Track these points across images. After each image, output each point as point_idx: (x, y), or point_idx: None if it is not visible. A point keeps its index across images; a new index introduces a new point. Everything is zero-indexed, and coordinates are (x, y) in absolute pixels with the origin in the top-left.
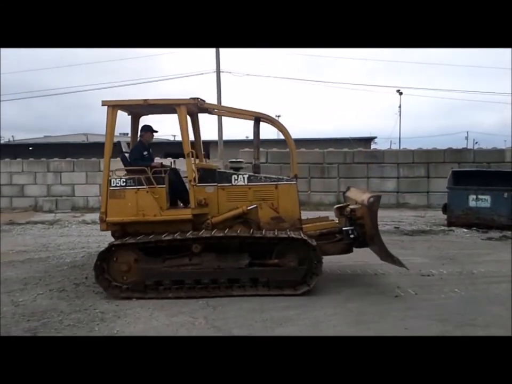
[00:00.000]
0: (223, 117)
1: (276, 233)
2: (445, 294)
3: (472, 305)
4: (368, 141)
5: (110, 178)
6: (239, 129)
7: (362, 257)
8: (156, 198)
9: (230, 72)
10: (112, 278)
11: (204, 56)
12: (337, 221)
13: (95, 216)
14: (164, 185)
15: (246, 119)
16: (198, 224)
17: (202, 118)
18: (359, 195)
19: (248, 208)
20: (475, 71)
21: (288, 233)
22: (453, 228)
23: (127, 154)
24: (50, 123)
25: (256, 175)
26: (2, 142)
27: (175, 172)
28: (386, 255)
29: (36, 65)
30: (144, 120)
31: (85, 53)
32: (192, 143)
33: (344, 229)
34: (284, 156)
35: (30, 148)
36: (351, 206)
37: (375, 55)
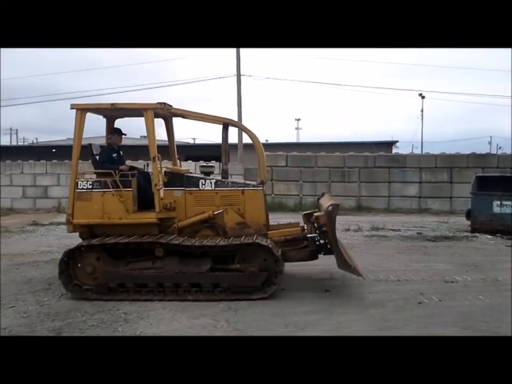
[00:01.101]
0: (243, 121)
1: (226, 240)
2: (469, 301)
3: (496, 312)
4: (389, 145)
5: (77, 180)
6: (259, 133)
7: (385, 263)
8: (122, 201)
9: (250, 76)
10: (77, 279)
11: (223, 60)
12: (306, 227)
13: None
14: (131, 189)
15: (215, 123)
16: (165, 227)
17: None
18: (327, 202)
19: (215, 213)
20: (498, 74)
21: (247, 239)
22: (477, 234)
23: (97, 157)
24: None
25: (224, 180)
26: (26, 144)
27: (144, 176)
28: (343, 263)
29: (57, 69)
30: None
31: (104, 57)
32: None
33: (308, 236)
34: (304, 159)
35: (53, 150)
36: (316, 214)
37: (395, 58)
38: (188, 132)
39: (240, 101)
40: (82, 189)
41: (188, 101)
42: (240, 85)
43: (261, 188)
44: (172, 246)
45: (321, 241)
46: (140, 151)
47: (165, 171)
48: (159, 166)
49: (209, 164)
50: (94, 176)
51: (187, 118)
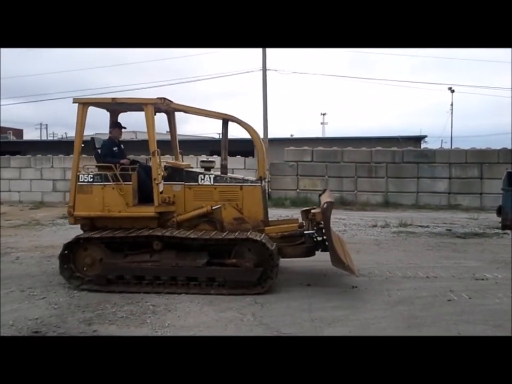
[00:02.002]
0: (268, 116)
1: (222, 234)
2: (499, 299)
3: None
4: (418, 139)
5: (78, 174)
6: (284, 128)
7: (413, 260)
8: (121, 195)
9: (276, 70)
10: (76, 270)
11: (250, 54)
12: (304, 224)
13: None
14: (131, 182)
15: (215, 118)
16: (164, 221)
17: (248, 117)
18: (325, 199)
19: (213, 207)
20: None
21: (243, 234)
22: (507, 231)
23: (99, 151)
24: (101, 121)
25: (222, 175)
26: (56, 138)
27: (145, 170)
28: (336, 260)
29: (85, 65)
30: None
31: (130, 53)
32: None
33: (305, 232)
34: (330, 154)
35: (82, 145)
36: (313, 211)
37: (422, 51)
38: (212, 127)
39: (266, 95)
40: (83, 182)
41: (213, 96)
42: (265, 79)
43: (259, 184)
44: (166, 239)
45: (319, 238)
46: (168, 146)
47: (165, 166)
48: (158, 160)
49: (210, 159)
50: (96, 169)
51: (188, 113)
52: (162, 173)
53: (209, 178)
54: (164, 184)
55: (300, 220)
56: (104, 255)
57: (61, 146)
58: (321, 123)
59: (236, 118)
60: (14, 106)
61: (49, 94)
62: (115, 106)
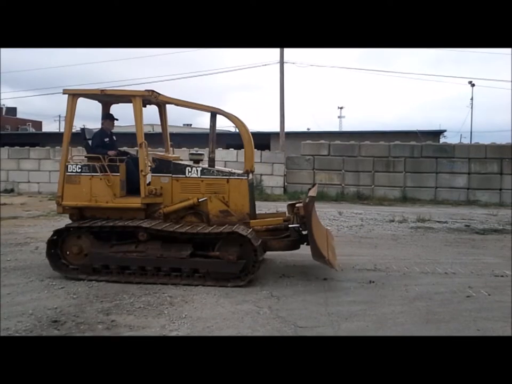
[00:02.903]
0: (285, 109)
1: (198, 227)
2: None
3: None
4: (437, 134)
5: (67, 164)
6: (301, 122)
7: (432, 255)
8: (109, 186)
9: (293, 63)
10: (64, 259)
11: (267, 48)
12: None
13: None
14: (118, 174)
15: (203, 111)
16: (152, 213)
17: (265, 110)
18: (310, 194)
19: (199, 200)
20: None
21: (229, 228)
22: None
23: (90, 142)
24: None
25: (210, 168)
26: (74, 131)
27: (135, 162)
28: (317, 254)
29: (105, 58)
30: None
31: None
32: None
33: (290, 226)
34: (347, 148)
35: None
36: (297, 205)
37: None
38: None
39: (283, 88)
40: (71, 172)
41: (231, 89)
42: (283, 72)
43: (246, 177)
44: (143, 230)
45: (303, 232)
46: (183, 138)
47: (152, 158)
48: (145, 152)
49: (199, 152)
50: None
51: (177, 105)
52: (150, 165)
53: (197, 170)
54: (152, 176)
55: (287, 214)
56: (90, 245)
57: (79, 138)
58: (338, 117)
59: (222, 111)
60: (33, 98)
61: (68, 87)
62: (104, 98)
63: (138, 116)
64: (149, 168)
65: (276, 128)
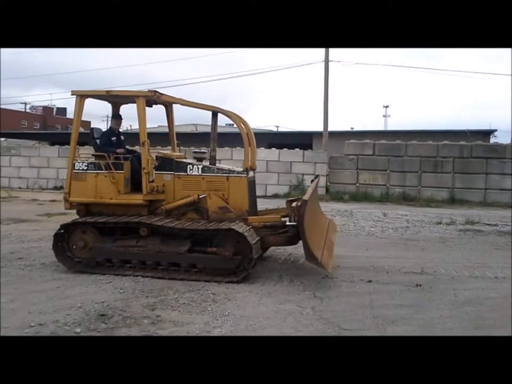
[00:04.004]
0: (329, 108)
1: (195, 224)
2: None
3: None
4: (487, 134)
5: (74, 162)
6: (344, 121)
7: (481, 259)
8: (113, 183)
9: (338, 61)
10: (69, 252)
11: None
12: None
13: None
14: (123, 171)
15: (205, 110)
16: (154, 209)
17: (308, 109)
18: (306, 194)
19: (200, 197)
20: None
21: (226, 225)
22: None
23: (98, 141)
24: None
25: (210, 166)
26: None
27: (140, 160)
28: (309, 256)
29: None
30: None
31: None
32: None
33: (287, 224)
34: (392, 148)
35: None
36: (294, 203)
37: None
38: (271, 120)
39: (327, 87)
40: (78, 169)
41: (275, 88)
42: (327, 71)
43: (245, 175)
44: (135, 224)
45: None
46: (226, 139)
47: (156, 156)
48: (147, 150)
49: (202, 150)
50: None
51: (179, 104)
52: (154, 163)
53: (198, 168)
54: (155, 173)
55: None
56: (94, 240)
57: (126, 138)
58: (384, 116)
59: (224, 110)
60: None
61: (115, 88)
62: (110, 98)
63: (141, 115)
64: (153, 166)
65: (318, 127)
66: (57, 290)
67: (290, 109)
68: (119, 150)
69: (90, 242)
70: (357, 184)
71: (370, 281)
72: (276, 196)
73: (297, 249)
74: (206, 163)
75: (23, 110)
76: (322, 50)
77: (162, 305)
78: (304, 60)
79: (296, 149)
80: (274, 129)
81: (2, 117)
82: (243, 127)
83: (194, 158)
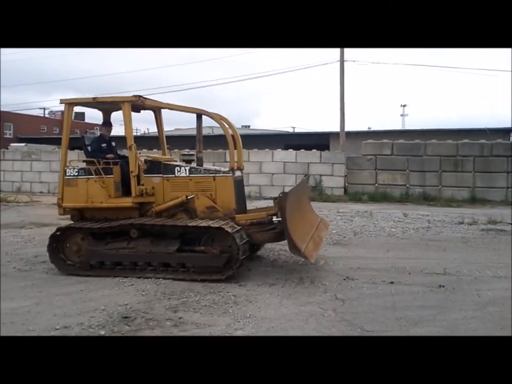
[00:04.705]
0: (345, 108)
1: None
2: None
3: None
4: (507, 132)
5: (65, 168)
6: (361, 121)
7: (504, 259)
8: (103, 187)
9: (354, 61)
10: (63, 254)
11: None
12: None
13: None
14: (112, 176)
15: (188, 112)
16: (144, 211)
17: (324, 110)
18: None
19: (188, 197)
20: None
21: (215, 223)
22: None
23: (89, 147)
24: (180, 116)
25: (197, 167)
26: (139, 134)
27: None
28: (292, 247)
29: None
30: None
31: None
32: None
33: (274, 220)
34: (411, 147)
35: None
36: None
37: None
38: (287, 121)
39: (343, 87)
40: (69, 175)
41: (291, 89)
42: (343, 71)
43: (231, 175)
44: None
45: None
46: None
47: (145, 159)
48: (135, 154)
49: (190, 152)
50: (84, 164)
51: (164, 109)
52: (143, 166)
53: (185, 170)
54: (144, 176)
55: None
56: (88, 243)
57: (143, 141)
58: (401, 115)
59: (206, 111)
60: None
61: (129, 92)
62: (97, 105)
63: (127, 120)
64: (138, 169)
65: (334, 127)
66: (80, 293)
67: (306, 109)
68: (108, 156)
69: (83, 245)
70: (376, 185)
71: (392, 282)
72: None
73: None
74: (192, 164)
75: (42, 115)
76: (337, 50)
77: (184, 307)
78: (319, 60)
79: (313, 150)
80: (291, 130)
81: (22, 122)
82: (227, 127)
83: (183, 160)
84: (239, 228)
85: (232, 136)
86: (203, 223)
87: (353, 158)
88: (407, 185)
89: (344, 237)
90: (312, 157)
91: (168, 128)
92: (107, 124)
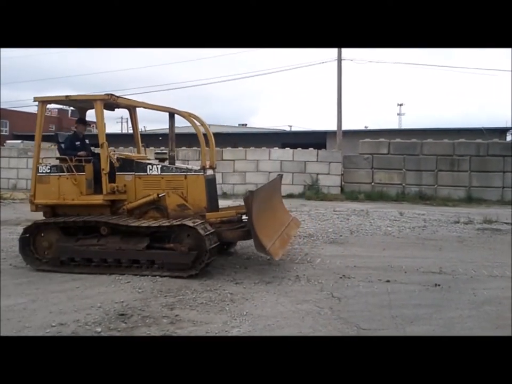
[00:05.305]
0: (342, 107)
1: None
2: None
3: None
4: (503, 131)
5: (38, 165)
6: (358, 120)
7: (500, 258)
8: (75, 184)
9: (351, 60)
10: (36, 253)
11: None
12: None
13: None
14: (84, 173)
15: (161, 111)
16: (116, 209)
17: (321, 109)
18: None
19: (159, 195)
20: None
21: (180, 221)
22: None
23: (62, 145)
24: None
25: (169, 166)
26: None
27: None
28: (258, 245)
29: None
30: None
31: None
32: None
33: (243, 218)
34: (408, 146)
35: (160, 138)
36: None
37: None
38: (284, 119)
39: (340, 86)
40: (42, 173)
41: (287, 88)
42: (340, 70)
43: (203, 174)
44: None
45: None
46: (239, 138)
47: (117, 157)
48: (106, 152)
49: (164, 151)
50: (57, 161)
51: (138, 107)
52: (115, 163)
53: (157, 168)
54: (117, 174)
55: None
56: (58, 240)
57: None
58: (398, 114)
59: (178, 110)
60: None
61: (128, 89)
62: (70, 103)
63: (99, 118)
64: (109, 167)
65: (331, 126)
66: (77, 291)
67: (303, 108)
68: (81, 153)
69: (54, 242)
70: (372, 184)
71: (388, 281)
72: (290, 196)
73: (313, 250)
74: (164, 163)
75: None
76: (335, 49)
77: (180, 304)
78: (316, 59)
79: (310, 149)
80: (288, 128)
81: (19, 120)
82: (198, 125)
83: (156, 158)
84: (203, 222)
85: (205, 134)
86: (166, 223)
87: (350, 156)
88: (404, 184)
89: (341, 236)
90: (309, 156)
91: (167, 126)
92: (82, 121)
